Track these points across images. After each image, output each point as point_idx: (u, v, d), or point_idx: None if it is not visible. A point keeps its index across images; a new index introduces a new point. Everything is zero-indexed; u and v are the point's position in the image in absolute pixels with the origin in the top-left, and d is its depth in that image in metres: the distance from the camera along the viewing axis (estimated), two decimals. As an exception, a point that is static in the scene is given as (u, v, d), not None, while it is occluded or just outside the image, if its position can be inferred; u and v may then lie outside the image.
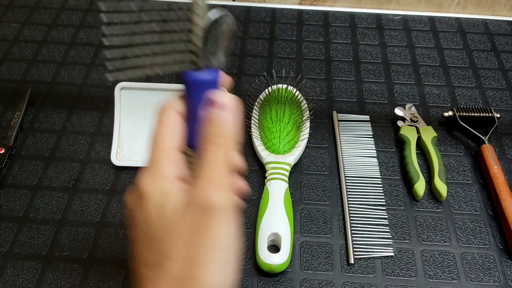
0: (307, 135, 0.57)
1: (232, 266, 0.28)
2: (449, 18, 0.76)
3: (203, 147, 0.30)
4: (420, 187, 0.53)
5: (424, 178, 0.55)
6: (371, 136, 0.60)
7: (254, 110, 0.60)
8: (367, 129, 0.60)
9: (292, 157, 0.55)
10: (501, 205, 0.51)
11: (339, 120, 0.61)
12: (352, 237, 0.50)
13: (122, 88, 0.57)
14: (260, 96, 0.60)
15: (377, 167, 0.57)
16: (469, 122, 0.59)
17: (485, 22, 0.76)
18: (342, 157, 0.57)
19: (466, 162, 0.58)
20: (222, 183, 0.28)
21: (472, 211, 0.53)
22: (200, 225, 0.27)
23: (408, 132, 0.58)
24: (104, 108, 0.62)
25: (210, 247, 0.27)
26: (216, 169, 0.29)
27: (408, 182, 0.55)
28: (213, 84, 0.31)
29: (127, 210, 0.30)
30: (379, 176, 0.56)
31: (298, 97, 0.59)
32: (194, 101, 0.30)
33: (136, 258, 0.29)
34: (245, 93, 0.64)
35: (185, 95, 0.31)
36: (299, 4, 0.79)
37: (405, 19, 0.76)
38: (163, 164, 0.29)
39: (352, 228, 0.51)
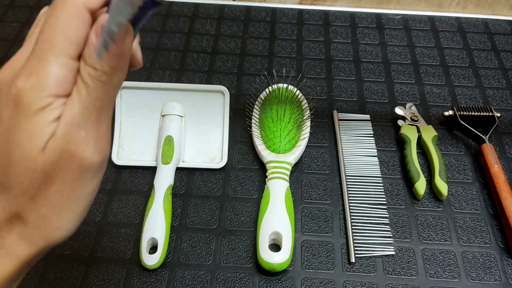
0: (307, 134, 0.57)
1: (83, 216, 0.27)
2: (449, 17, 0.77)
3: (85, 79, 0.24)
4: (420, 186, 0.53)
5: (425, 177, 0.55)
6: (372, 135, 0.60)
7: (254, 110, 0.60)
8: (368, 128, 0.61)
9: (292, 156, 0.55)
10: (502, 204, 0.51)
11: (339, 119, 0.61)
12: (353, 236, 0.50)
13: (123, 88, 0.57)
14: (261, 95, 0.60)
15: (378, 166, 0.57)
16: (469, 121, 0.59)
17: (485, 22, 0.76)
18: (343, 156, 0.57)
19: (467, 161, 0.58)
20: (100, 137, 0.25)
21: (473, 210, 0.54)
22: (67, 174, 0.24)
23: (409, 131, 0.58)
24: (105, 107, 0.62)
25: (72, 197, 0.25)
26: (97, 118, 0.25)
27: (408, 181, 0.55)
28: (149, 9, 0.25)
29: None
30: (380, 175, 0.56)
31: (299, 96, 0.59)
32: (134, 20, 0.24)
33: None
34: (246, 92, 0.64)
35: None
36: (300, 3, 0.79)
37: (405, 18, 0.76)
38: (56, 77, 0.23)
39: (353, 227, 0.51)
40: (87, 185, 0.26)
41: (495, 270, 0.49)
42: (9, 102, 0.23)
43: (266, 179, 0.53)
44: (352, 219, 0.52)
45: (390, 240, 0.51)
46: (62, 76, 0.24)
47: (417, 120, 0.60)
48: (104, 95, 0.24)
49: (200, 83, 0.65)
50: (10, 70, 0.25)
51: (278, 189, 0.51)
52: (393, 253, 0.50)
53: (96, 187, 0.27)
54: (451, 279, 0.48)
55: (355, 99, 0.64)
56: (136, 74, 0.66)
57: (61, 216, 0.26)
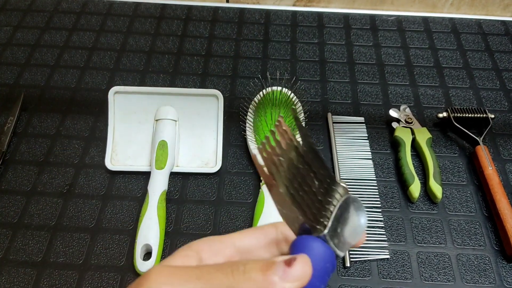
0: (302, 138, 0.57)
1: None
2: (443, 18, 0.77)
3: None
4: (415, 188, 0.53)
5: (419, 179, 0.55)
6: (366, 137, 0.60)
7: (248, 113, 0.59)
8: (362, 130, 0.60)
9: (287, 160, 0.54)
10: (496, 206, 0.51)
11: (334, 122, 0.61)
12: (347, 239, 0.50)
13: (116, 92, 0.57)
14: (255, 98, 0.60)
15: (372, 169, 0.57)
16: (463, 123, 0.59)
17: (478, 22, 0.76)
18: (337, 159, 0.57)
19: (461, 163, 0.58)
20: None
21: (467, 213, 0.54)
22: None
23: (403, 134, 0.58)
24: (98, 112, 0.62)
25: None
26: None
27: (403, 184, 0.55)
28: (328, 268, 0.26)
29: None
30: (374, 178, 0.56)
31: (293, 99, 0.59)
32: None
33: None
34: (240, 95, 0.64)
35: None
36: (293, 5, 0.78)
37: (399, 19, 0.76)
38: None
39: (347, 231, 0.51)
40: None
41: (490, 273, 0.49)
42: None
43: (261, 183, 0.53)
44: (347, 222, 0.52)
45: (385, 244, 0.51)
46: None
47: (411, 122, 0.60)
48: None
49: (194, 86, 0.65)
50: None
51: (272, 194, 0.51)
52: (388, 256, 0.50)
53: None
54: (445, 282, 0.48)
55: (349, 101, 0.64)
56: (129, 78, 0.66)
57: None
